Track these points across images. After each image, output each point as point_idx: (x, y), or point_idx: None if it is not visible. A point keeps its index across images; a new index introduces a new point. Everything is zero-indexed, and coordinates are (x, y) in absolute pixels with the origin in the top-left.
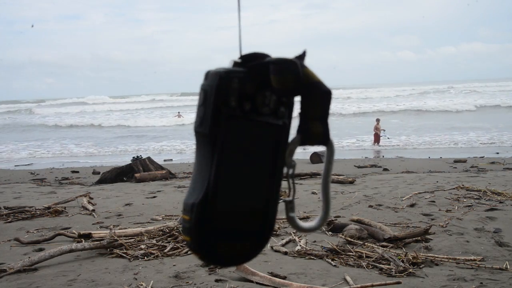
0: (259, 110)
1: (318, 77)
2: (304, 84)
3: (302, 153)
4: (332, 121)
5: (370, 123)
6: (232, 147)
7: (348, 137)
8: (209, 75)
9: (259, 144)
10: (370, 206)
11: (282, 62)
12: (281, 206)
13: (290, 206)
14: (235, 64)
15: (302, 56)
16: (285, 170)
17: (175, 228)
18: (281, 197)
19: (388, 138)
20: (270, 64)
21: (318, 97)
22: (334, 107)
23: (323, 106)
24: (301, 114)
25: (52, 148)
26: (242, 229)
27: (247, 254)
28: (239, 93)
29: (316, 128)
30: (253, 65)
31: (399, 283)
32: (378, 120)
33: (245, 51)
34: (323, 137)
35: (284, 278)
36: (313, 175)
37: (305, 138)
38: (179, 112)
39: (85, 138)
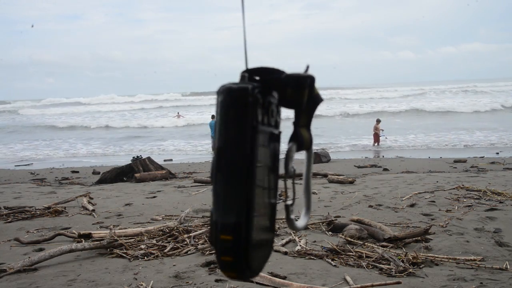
0: (269, 122)
1: (317, 89)
2: (310, 96)
3: (302, 153)
4: (332, 121)
5: (370, 123)
6: (258, 160)
7: (348, 137)
8: (229, 91)
9: (268, 154)
10: (370, 206)
11: (301, 78)
12: (280, 206)
13: (290, 209)
14: (244, 77)
15: (307, 71)
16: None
17: (175, 228)
18: (281, 199)
19: (385, 138)
20: (290, 78)
21: (312, 107)
22: (334, 107)
23: (311, 114)
24: (295, 123)
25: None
26: (264, 238)
27: (266, 259)
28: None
29: (305, 135)
30: (268, 79)
31: (399, 283)
32: (378, 121)
33: (246, 51)
34: (310, 143)
35: (284, 278)
36: (313, 175)
37: (299, 145)
38: (178, 113)
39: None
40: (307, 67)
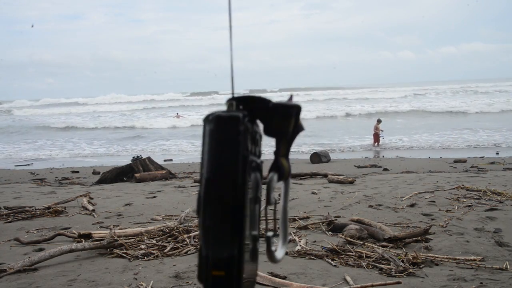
0: (254, 151)
1: (300, 119)
2: (295, 126)
3: (302, 153)
4: (333, 121)
5: (370, 124)
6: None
7: (348, 138)
8: (220, 119)
9: (252, 183)
10: (370, 206)
11: (288, 107)
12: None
13: (271, 241)
14: (232, 105)
15: (291, 100)
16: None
17: (175, 228)
18: (264, 233)
19: (383, 138)
20: (277, 108)
21: (293, 136)
22: (333, 107)
23: (291, 143)
24: (276, 153)
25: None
26: (250, 271)
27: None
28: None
29: (285, 164)
30: (254, 108)
31: (399, 283)
32: (379, 121)
33: (246, 51)
34: (289, 173)
35: (284, 278)
36: (313, 175)
37: (280, 175)
38: (177, 113)
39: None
40: (291, 96)
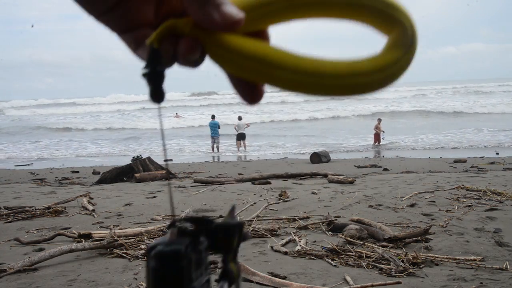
0: (200, 271)
1: (244, 230)
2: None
3: (302, 153)
4: (332, 121)
5: (370, 124)
6: None
7: (348, 137)
8: (161, 256)
9: None
10: (370, 206)
11: (230, 227)
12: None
13: None
14: (173, 233)
15: (233, 212)
16: None
17: None
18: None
19: (383, 138)
20: (219, 228)
21: (239, 244)
22: (334, 107)
23: (237, 252)
24: (223, 261)
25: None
26: None
27: None
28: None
29: (234, 268)
30: (198, 228)
31: (399, 283)
32: (379, 120)
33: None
34: (239, 274)
35: (284, 278)
36: (313, 175)
37: (230, 281)
38: (177, 113)
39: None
40: (233, 208)
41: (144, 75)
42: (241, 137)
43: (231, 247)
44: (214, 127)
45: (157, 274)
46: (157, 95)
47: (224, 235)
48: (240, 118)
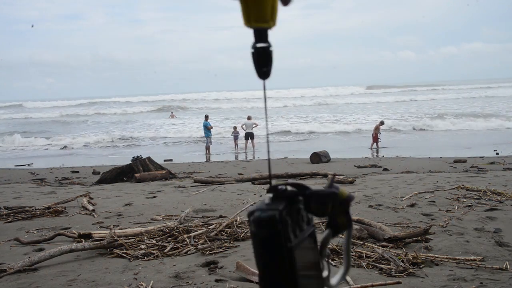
0: (300, 227)
1: (346, 192)
2: (339, 203)
3: (302, 153)
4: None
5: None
6: (299, 268)
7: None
8: (258, 222)
9: (309, 252)
10: (370, 206)
11: (323, 196)
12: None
13: (326, 281)
14: (270, 199)
15: (332, 182)
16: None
17: (175, 228)
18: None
19: (380, 140)
20: (313, 196)
21: (346, 206)
22: (333, 107)
23: (346, 207)
24: (331, 215)
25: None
26: None
27: None
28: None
29: (341, 220)
30: (292, 197)
31: (399, 283)
32: (381, 123)
33: (246, 51)
34: (348, 225)
35: None
36: (313, 175)
37: (335, 230)
38: (172, 113)
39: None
40: (333, 177)
41: (252, 53)
42: (248, 136)
43: (325, 212)
44: (204, 127)
45: (256, 237)
46: (261, 72)
47: (316, 202)
48: (249, 118)
